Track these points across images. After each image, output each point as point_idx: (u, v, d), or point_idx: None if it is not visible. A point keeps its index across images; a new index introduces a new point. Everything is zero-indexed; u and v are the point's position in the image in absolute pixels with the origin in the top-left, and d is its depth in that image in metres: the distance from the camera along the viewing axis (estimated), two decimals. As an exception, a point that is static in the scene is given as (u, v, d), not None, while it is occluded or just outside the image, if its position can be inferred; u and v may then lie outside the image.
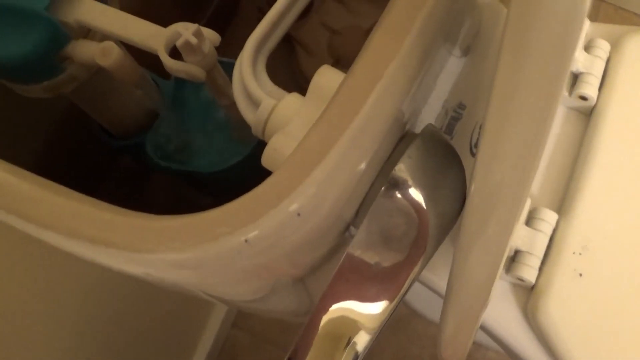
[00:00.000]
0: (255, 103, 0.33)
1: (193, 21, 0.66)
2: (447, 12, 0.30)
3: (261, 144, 0.32)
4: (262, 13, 0.70)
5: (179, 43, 0.40)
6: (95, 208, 0.27)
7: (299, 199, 0.25)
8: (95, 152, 0.59)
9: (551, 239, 0.52)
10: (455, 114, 0.56)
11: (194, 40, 0.40)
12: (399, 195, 0.30)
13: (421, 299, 1.03)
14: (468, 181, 0.34)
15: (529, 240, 0.51)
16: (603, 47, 0.57)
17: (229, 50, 0.55)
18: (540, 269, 0.51)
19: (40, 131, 0.56)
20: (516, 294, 0.53)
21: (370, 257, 0.30)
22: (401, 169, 0.29)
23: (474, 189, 0.29)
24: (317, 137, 0.26)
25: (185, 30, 0.40)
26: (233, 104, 0.46)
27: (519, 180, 0.27)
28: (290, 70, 0.67)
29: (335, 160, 0.26)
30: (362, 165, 0.27)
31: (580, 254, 0.53)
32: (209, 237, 0.25)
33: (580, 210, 0.53)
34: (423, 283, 0.53)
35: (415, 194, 0.30)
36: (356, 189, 0.29)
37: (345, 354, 0.28)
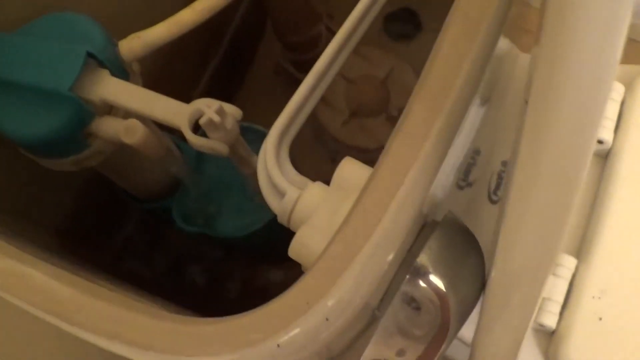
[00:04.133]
0: (279, 192, 0.34)
1: (203, 70, 0.67)
2: (466, 103, 0.31)
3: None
4: (280, 66, 0.72)
5: (202, 121, 0.42)
6: (135, 312, 0.28)
7: (326, 305, 0.27)
8: (119, 210, 0.61)
9: (571, 284, 0.53)
10: (471, 160, 0.57)
11: (216, 118, 0.41)
12: (422, 284, 0.31)
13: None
14: (486, 260, 0.36)
15: (549, 286, 0.52)
16: (617, 89, 0.57)
17: (247, 103, 0.56)
18: (561, 313, 0.52)
19: (66, 194, 0.58)
20: (537, 339, 0.53)
21: (395, 344, 0.31)
22: (423, 260, 0.31)
23: (494, 275, 0.30)
24: (343, 245, 0.27)
25: (207, 109, 0.42)
26: (255, 172, 0.47)
27: (540, 263, 0.28)
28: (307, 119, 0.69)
29: (359, 267, 0.27)
30: (386, 266, 0.29)
31: (599, 298, 0.53)
32: (244, 343, 0.27)
33: (599, 255, 0.53)
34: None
35: (437, 281, 0.31)
36: (380, 283, 0.30)
37: None
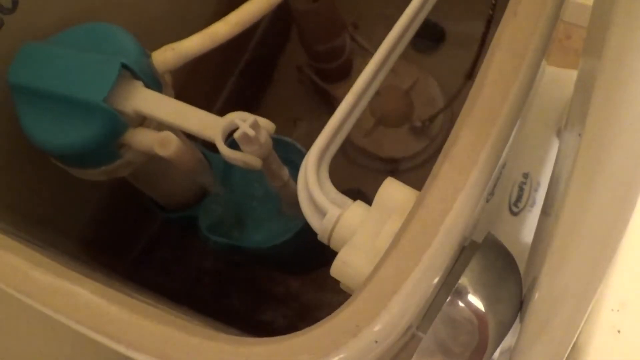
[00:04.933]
0: (320, 211, 0.35)
1: (227, 75, 0.67)
2: (511, 128, 0.31)
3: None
4: (302, 72, 0.72)
5: (237, 135, 0.42)
6: (184, 332, 0.29)
7: (376, 328, 0.27)
8: (143, 219, 0.61)
9: (590, 297, 0.53)
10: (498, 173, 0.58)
11: (251, 132, 0.41)
12: (462, 305, 0.32)
13: None
14: (524, 279, 0.36)
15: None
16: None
17: (270, 111, 0.55)
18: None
19: (92, 202, 0.58)
20: (556, 352, 0.54)
21: (436, 363, 0.32)
22: (464, 282, 0.31)
23: (538, 297, 0.31)
24: (393, 269, 0.28)
25: (242, 122, 0.42)
26: (285, 184, 0.48)
27: (588, 286, 0.28)
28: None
29: (409, 290, 0.28)
30: (432, 288, 0.29)
31: (618, 310, 0.53)
32: (294, 364, 0.27)
33: (618, 267, 0.54)
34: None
35: (477, 302, 0.32)
36: (425, 305, 0.30)
37: None
